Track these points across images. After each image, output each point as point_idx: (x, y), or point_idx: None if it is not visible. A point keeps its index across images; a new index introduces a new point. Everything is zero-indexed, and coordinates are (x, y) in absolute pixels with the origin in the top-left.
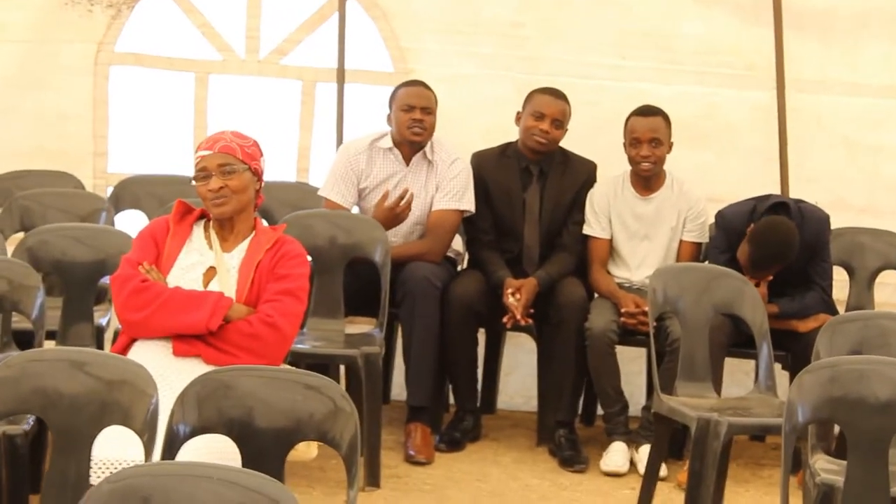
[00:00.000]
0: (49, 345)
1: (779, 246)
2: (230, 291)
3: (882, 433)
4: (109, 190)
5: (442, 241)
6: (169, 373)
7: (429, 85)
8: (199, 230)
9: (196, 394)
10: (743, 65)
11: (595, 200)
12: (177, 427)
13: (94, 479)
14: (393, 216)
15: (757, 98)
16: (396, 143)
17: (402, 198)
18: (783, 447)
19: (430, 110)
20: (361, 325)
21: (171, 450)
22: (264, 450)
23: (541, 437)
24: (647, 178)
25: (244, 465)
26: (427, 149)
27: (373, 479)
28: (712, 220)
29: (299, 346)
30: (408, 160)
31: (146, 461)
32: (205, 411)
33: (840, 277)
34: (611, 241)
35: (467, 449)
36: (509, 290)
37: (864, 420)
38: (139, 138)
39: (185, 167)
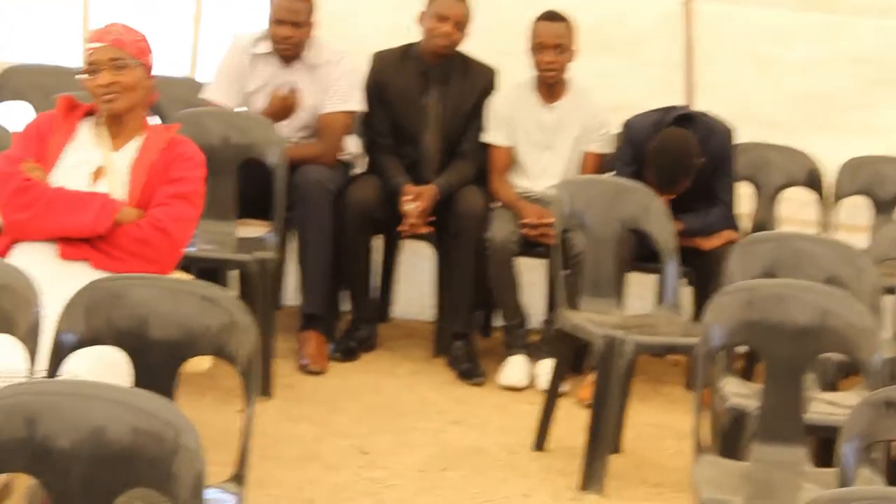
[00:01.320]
0: None
1: (677, 159)
2: (119, 193)
3: (799, 359)
4: None
5: (334, 143)
6: (55, 278)
7: None
8: (86, 127)
9: (84, 302)
10: None
11: (497, 107)
12: (63, 337)
13: None
14: (283, 107)
15: (665, 5)
16: (275, 49)
17: (291, 90)
18: (697, 371)
19: (298, 23)
20: (255, 229)
21: (56, 360)
22: (157, 364)
23: (438, 348)
24: (550, 86)
25: (136, 379)
26: (305, 52)
27: (265, 389)
28: (617, 130)
29: (190, 250)
30: (287, 64)
31: (30, 371)
32: (94, 321)
33: (744, 192)
34: (512, 149)
35: (362, 359)
36: (408, 197)
37: (782, 345)
38: (25, 25)
39: (74, 58)
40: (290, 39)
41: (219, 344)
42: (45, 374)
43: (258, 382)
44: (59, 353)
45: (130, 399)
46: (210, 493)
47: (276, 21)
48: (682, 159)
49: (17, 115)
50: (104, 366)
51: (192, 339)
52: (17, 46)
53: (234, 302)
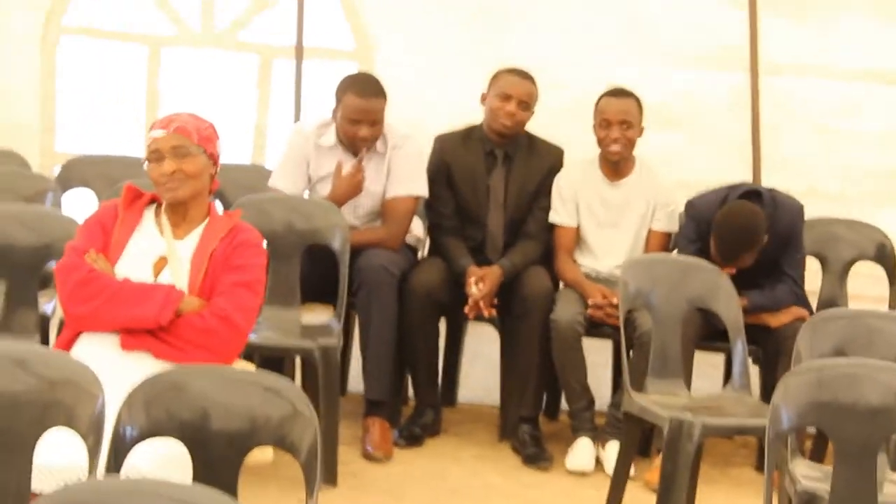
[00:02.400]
0: None
1: (743, 231)
2: (182, 283)
3: (871, 441)
4: (57, 169)
5: (399, 227)
6: (116, 369)
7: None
8: (149, 216)
9: (144, 395)
10: (716, 46)
11: (562, 186)
12: (124, 430)
13: (36, 486)
14: (353, 184)
15: (730, 81)
16: (340, 140)
17: (359, 162)
18: (766, 454)
19: (375, 122)
20: (318, 314)
21: (117, 455)
22: (218, 456)
23: (503, 432)
24: (616, 163)
25: (196, 471)
26: (378, 142)
27: (329, 477)
28: (682, 208)
29: (254, 337)
30: (354, 154)
31: (91, 467)
32: (154, 413)
33: (811, 268)
34: (578, 228)
35: (427, 444)
36: (472, 279)
37: (854, 427)
38: (89, 115)
39: (137, 147)
40: (367, 140)
41: (280, 434)
42: (105, 469)
43: (318, 473)
44: (120, 446)
45: (192, 498)
46: None
47: (352, 120)
48: (748, 233)
49: (81, 204)
50: (167, 460)
51: (253, 430)
52: (82, 136)
53: (295, 392)
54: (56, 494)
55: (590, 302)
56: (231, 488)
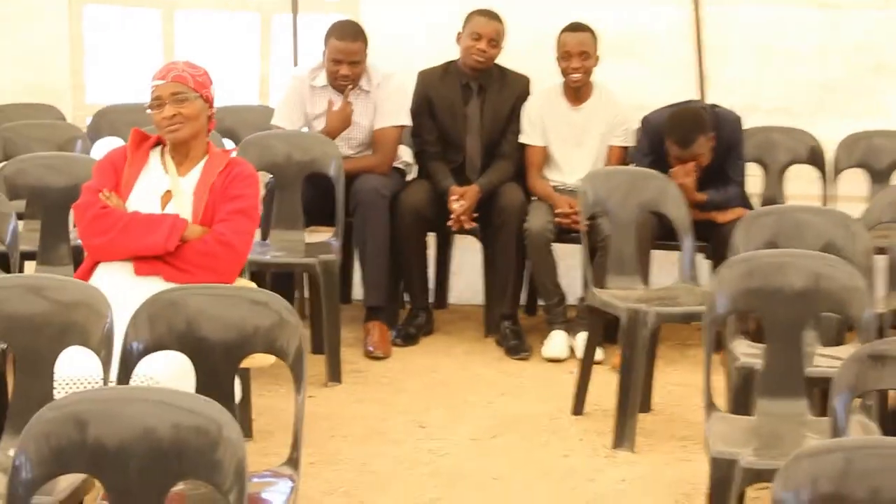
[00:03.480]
0: (31, 264)
1: (691, 115)
2: (186, 213)
3: (797, 320)
4: (89, 120)
5: (387, 154)
6: (132, 292)
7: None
8: (155, 156)
9: (147, 313)
10: None
11: (530, 111)
12: (131, 345)
13: (58, 396)
14: (342, 118)
15: (676, 11)
16: (330, 81)
17: (346, 98)
18: (704, 335)
19: (355, 62)
20: (321, 234)
21: (126, 366)
22: (216, 363)
23: (488, 328)
24: (577, 89)
25: (198, 378)
26: (362, 82)
27: (334, 376)
28: (637, 125)
29: (264, 257)
30: (343, 93)
31: (104, 377)
32: (156, 329)
33: (754, 173)
34: (546, 148)
35: (421, 342)
36: (454, 197)
37: (780, 309)
38: (114, 71)
39: None
40: (347, 78)
41: (269, 342)
42: (117, 379)
43: (322, 365)
44: (129, 359)
45: (174, 400)
46: (263, 478)
47: (334, 61)
48: (695, 116)
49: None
50: (173, 368)
51: (244, 338)
52: (109, 90)
53: (280, 303)
54: (56, 403)
55: (556, 211)
56: (228, 391)
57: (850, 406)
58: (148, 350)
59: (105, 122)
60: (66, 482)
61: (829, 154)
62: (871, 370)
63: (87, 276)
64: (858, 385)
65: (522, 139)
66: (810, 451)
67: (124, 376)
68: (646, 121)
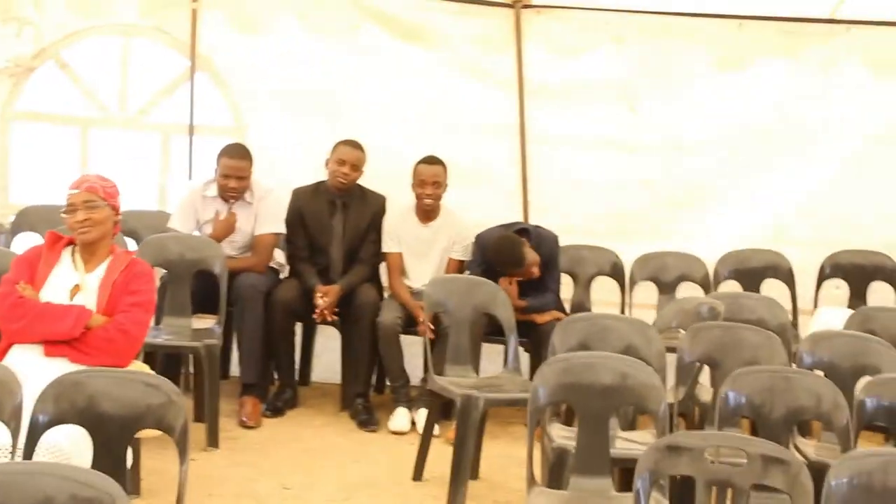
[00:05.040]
0: None
1: (505, 253)
2: (91, 304)
3: (604, 411)
4: (12, 217)
5: (263, 257)
6: (41, 372)
7: (245, 154)
8: (66, 254)
9: (53, 392)
10: (496, 123)
11: (388, 225)
12: (37, 417)
13: None
14: (226, 225)
15: (507, 149)
16: (219, 193)
17: (230, 210)
18: (528, 421)
19: (242, 178)
20: (206, 321)
21: (32, 436)
22: (112, 435)
23: (343, 403)
24: (427, 211)
25: (95, 447)
26: (246, 195)
27: (213, 441)
28: (472, 241)
29: (157, 339)
30: (229, 203)
31: (14, 444)
32: (61, 405)
33: (567, 281)
34: (401, 254)
35: (287, 414)
36: (319, 294)
37: (591, 401)
38: (37, 176)
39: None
40: (235, 190)
41: (158, 418)
42: (25, 446)
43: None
44: (35, 430)
45: (73, 475)
46: None
47: (224, 176)
48: (509, 253)
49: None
50: (74, 438)
51: (138, 416)
52: (31, 192)
53: (170, 386)
54: None
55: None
56: (121, 462)
57: (649, 488)
58: (52, 423)
59: (26, 220)
60: None
61: (627, 268)
62: (667, 458)
63: (1, 356)
64: (657, 470)
65: (384, 248)
66: None
67: (31, 444)
68: (479, 237)
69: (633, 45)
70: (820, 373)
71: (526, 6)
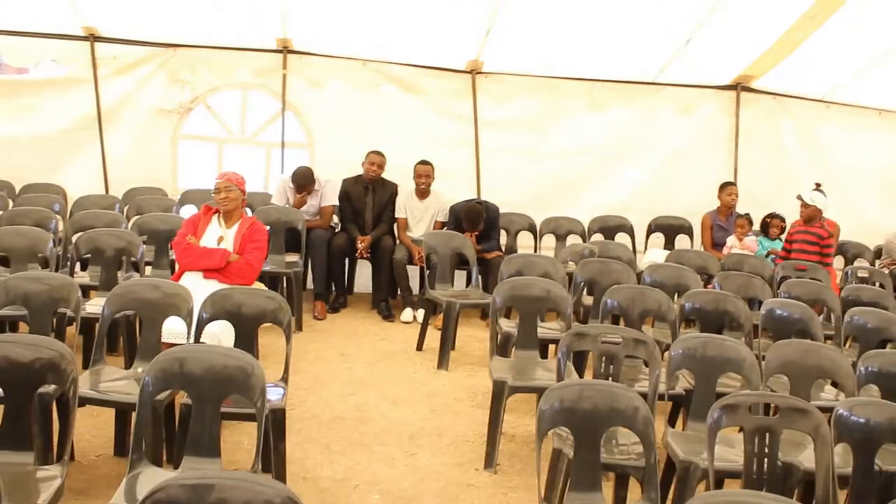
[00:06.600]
0: (148, 270)
1: (474, 212)
2: (230, 248)
3: (535, 312)
4: (178, 196)
5: (325, 219)
6: (201, 288)
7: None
8: (214, 218)
9: (210, 300)
10: (462, 137)
11: (399, 200)
12: (202, 315)
13: (165, 339)
14: (301, 202)
15: (467, 155)
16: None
17: (304, 196)
18: (491, 318)
19: (306, 187)
20: (293, 257)
21: (199, 327)
22: (246, 328)
23: (373, 305)
24: (422, 192)
25: (237, 336)
26: (315, 186)
27: (299, 327)
28: (447, 210)
29: (267, 268)
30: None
31: (188, 332)
32: (215, 308)
33: (503, 235)
34: (406, 218)
35: (341, 312)
36: (359, 241)
37: (527, 305)
38: (193, 172)
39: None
40: (306, 189)
41: (273, 316)
42: (194, 334)
43: (292, 331)
44: (200, 323)
45: (228, 352)
46: (270, 387)
47: (298, 185)
48: (476, 213)
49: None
50: (224, 328)
51: (261, 315)
52: (189, 179)
53: (280, 298)
54: (164, 353)
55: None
56: (252, 343)
57: (565, 357)
58: (210, 319)
59: (187, 197)
60: (167, 392)
61: (538, 226)
62: (576, 340)
63: (178, 279)
64: (570, 346)
65: (397, 214)
66: (559, 385)
67: (198, 332)
68: (452, 208)
69: (541, 96)
70: (656, 288)
71: (478, 73)
